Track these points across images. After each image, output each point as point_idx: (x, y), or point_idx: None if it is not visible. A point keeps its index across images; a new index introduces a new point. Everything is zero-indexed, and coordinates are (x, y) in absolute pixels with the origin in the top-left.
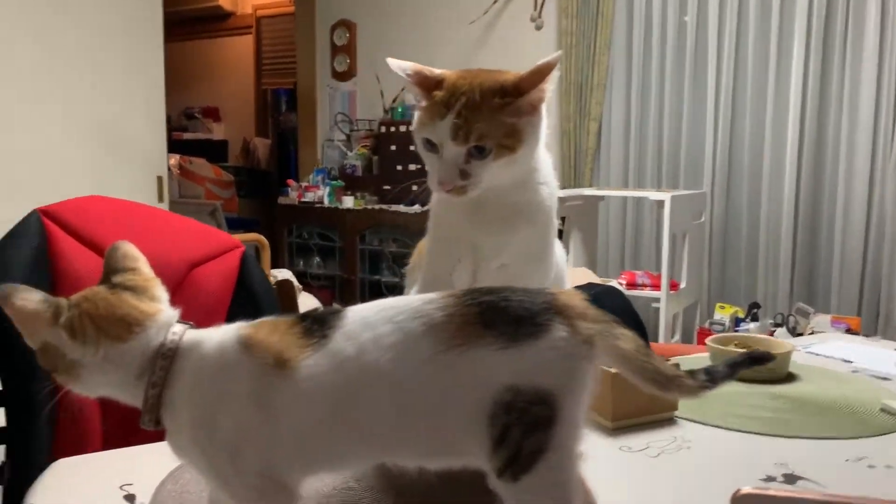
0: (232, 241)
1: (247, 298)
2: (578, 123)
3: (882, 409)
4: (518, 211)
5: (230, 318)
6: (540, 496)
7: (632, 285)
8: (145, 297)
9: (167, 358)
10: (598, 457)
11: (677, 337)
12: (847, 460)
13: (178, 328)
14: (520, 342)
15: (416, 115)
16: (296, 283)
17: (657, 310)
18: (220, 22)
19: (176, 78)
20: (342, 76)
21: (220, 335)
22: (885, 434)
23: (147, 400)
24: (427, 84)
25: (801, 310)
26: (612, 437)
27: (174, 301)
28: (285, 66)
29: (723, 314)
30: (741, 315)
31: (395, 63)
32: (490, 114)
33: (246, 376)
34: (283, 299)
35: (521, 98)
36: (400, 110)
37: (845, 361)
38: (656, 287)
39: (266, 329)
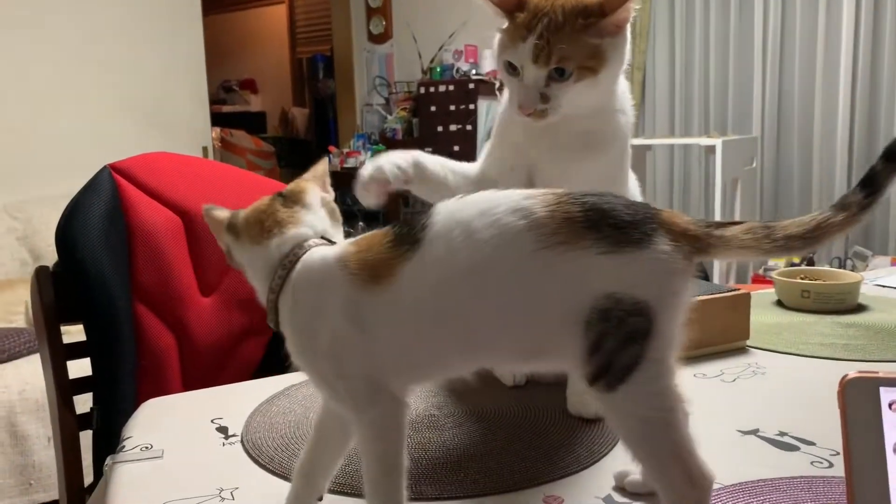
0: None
1: None
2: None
3: None
4: (590, 139)
5: None
6: (639, 405)
7: None
8: (297, 206)
9: (285, 268)
10: None
11: (731, 282)
12: None
13: (312, 241)
14: (623, 249)
15: (498, 37)
16: None
17: None
18: None
19: (212, 52)
20: (378, 39)
21: (327, 251)
22: None
23: (267, 303)
24: (508, 5)
25: (858, 253)
26: (685, 365)
27: None
28: (320, 32)
29: (777, 260)
30: (796, 260)
31: None
32: (572, 34)
33: (339, 292)
34: None
35: (606, 18)
36: (438, 70)
37: None
38: None
39: (364, 244)
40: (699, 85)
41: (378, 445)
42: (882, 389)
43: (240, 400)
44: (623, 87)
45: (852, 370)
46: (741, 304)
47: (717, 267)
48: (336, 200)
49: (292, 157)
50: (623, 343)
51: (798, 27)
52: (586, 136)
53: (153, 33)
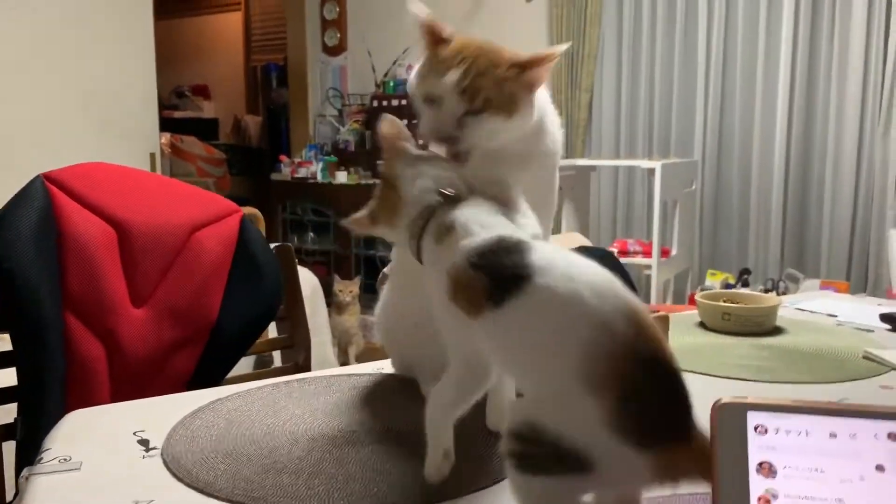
0: (231, 205)
1: (247, 261)
2: (570, 95)
3: (864, 357)
4: (519, 158)
5: (231, 282)
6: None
7: (623, 253)
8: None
9: (423, 218)
10: None
11: (669, 302)
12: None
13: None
14: None
15: (417, 69)
16: None
17: (649, 276)
18: None
19: (166, 56)
20: (333, 51)
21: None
22: (865, 378)
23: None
24: (435, 36)
25: (790, 275)
26: None
27: (175, 266)
28: (275, 41)
29: (713, 280)
30: (731, 281)
31: (415, 5)
32: (493, 79)
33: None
34: (283, 262)
35: (523, 74)
36: (392, 84)
37: (830, 316)
38: (647, 254)
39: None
40: (644, 108)
41: (451, 392)
42: (749, 413)
43: (165, 412)
44: (547, 110)
45: (761, 390)
46: (660, 327)
47: (654, 285)
48: (285, 210)
49: (244, 165)
50: None
51: (739, 54)
52: (515, 157)
53: (102, 36)
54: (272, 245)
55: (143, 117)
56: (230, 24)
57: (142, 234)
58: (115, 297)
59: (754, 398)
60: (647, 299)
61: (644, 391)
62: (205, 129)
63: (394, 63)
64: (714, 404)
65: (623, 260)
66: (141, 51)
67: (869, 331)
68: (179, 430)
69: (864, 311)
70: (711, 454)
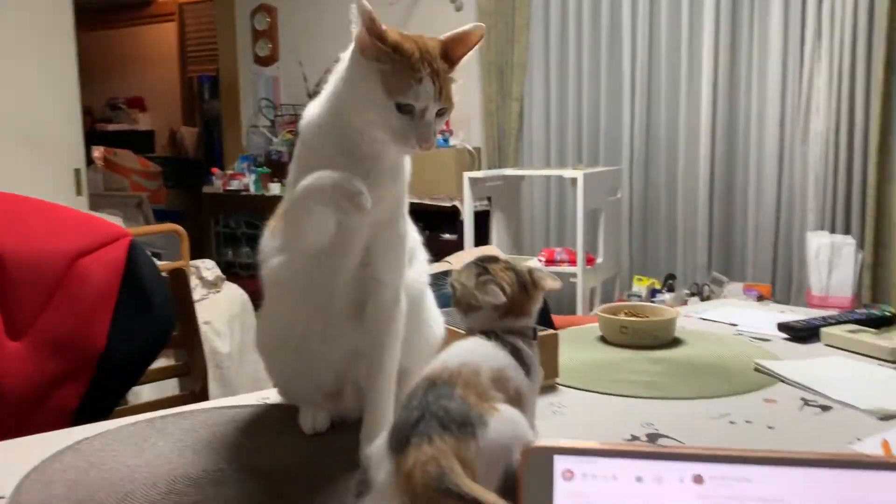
0: (118, 230)
1: (136, 287)
2: (501, 104)
3: (756, 369)
4: (395, 170)
5: (118, 309)
6: None
7: (550, 262)
8: None
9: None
10: None
11: (596, 310)
12: (711, 418)
13: None
14: None
15: (380, 79)
16: (219, 273)
17: (574, 284)
18: (141, 9)
19: (98, 68)
20: (264, 61)
21: None
22: (751, 392)
23: None
24: (378, 34)
25: (715, 279)
26: None
27: (57, 295)
28: (209, 52)
29: (640, 286)
30: (658, 286)
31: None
32: (446, 76)
33: None
34: (176, 290)
35: (458, 62)
36: None
37: (731, 325)
38: (574, 263)
39: None
40: (573, 117)
41: None
42: (556, 458)
43: (16, 456)
44: None
45: (651, 407)
46: (549, 345)
47: (580, 293)
48: (218, 223)
49: (180, 178)
50: None
51: (663, 63)
52: (393, 168)
53: (20, 50)
54: (198, 262)
55: (65, 132)
56: (165, 35)
57: (16, 262)
58: None
59: (562, 442)
60: (572, 308)
61: None
62: (140, 142)
63: (326, 72)
64: (522, 450)
65: (551, 269)
66: (62, 64)
67: (766, 340)
68: (34, 476)
69: (764, 319)
70: (518, 501)
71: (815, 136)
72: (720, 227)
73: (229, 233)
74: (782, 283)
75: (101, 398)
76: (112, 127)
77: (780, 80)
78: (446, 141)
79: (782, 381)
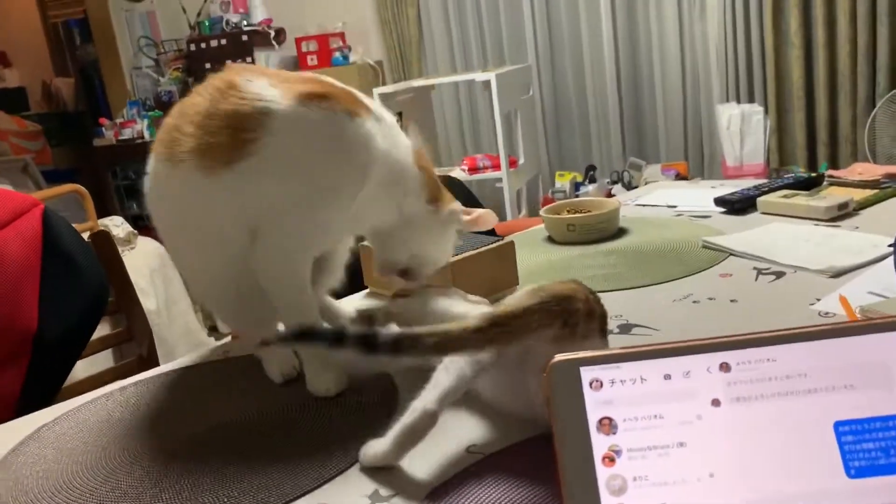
0: (27, 199)
1: (59, 257)
2: (397, 11)
3: (704, 246)
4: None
5: (45, 283)
6: None
7: (473, 170)
8: None
9: None
10: None
11: (524, 212)
12: (674, 300)
13: None
14: None
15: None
16: (130, 228)
17: (500, 189)
18: None
19: None
20: None
21: None
22: (705, 269)
23: None
24: None
25: (633, 164)
26: None
27: None
28: None
29: (562, 181)
30: (580, 179)
31: None
32: None
33: None
34: (102, 253)
35: None
36: (207, 24)
37: (670, 207)
38: (497, 167)
39: None
40: (472, 18)
41: None
42: (582, 370)
43: None
44: None
45: (612, 299)
46: (507, 253)
47: (507, 196)
48: (116, 176)
49: (63, 134)
50: None
51: None
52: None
53: None
54: (107, 220)
55: None
56: None
57: None
58: None
59: (585, 353)
60: (501, 213)
61: None
62: (11, 101)
63: (205, 1)
64: (545, 365)
65: (475, 177)
66: None
67: (706, 217)
68: None
69: (700, 196)
70: (551, 417)
71: (711, 8)
72: (630, 112)
73: (130, 185)
74: (695, 159)
75: (43, 381)
76: None
77: None
78: (346, 58)
79: (732, 255)
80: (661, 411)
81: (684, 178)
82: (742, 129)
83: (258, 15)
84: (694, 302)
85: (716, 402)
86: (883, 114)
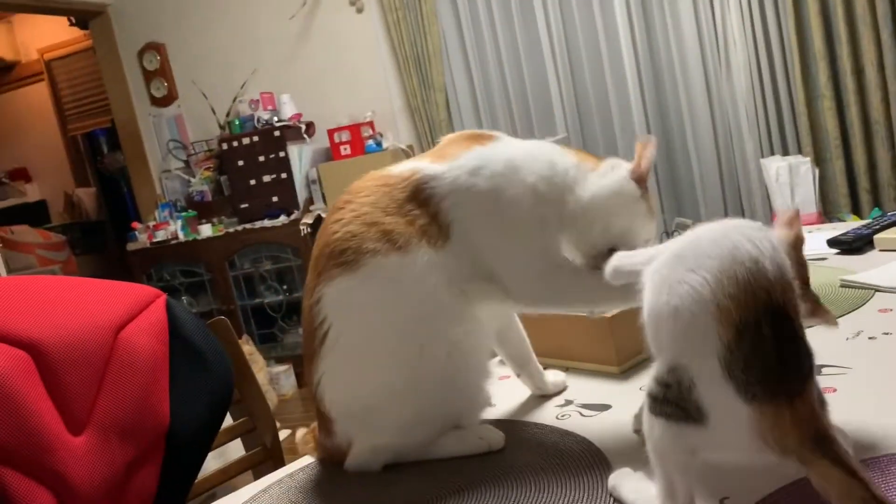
0: (150, 290)
1: (186, 349)
2: (425, 97)
3: (842, 286)
4: None
5: (174, 376)
6: None
7: None
8: None
9: None
10: (619, 403)
11: None
12: (847, 338)
13: None
14: None
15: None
16: None
17: None
18: (5, 75)
19: None
20: (162, 102)
21: None
22: (860, 307)
23: None
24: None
25: (680, 224)
26: (624, 381)
27: (108, 375)
28: (92, 106)
29: None
30: None
31: None
32: None
33: None
34: (222, 339)
35: None
36: (238, 123)
37: None
38: None
39: None
40: (500, 97)
41: None
42: None
43: None
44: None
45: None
46: None
47: None
48: (151, 279)
49: (87, 243)
50: None
51: (578, 27)
52: None
53: None
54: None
55: None
56: (36, 97)
57: (57, 352)
58: (48, 431)
59: None
60: None
61: (762, 336)
62: (34, 214)
63: (234, 100)
64: None
65: None
66: None
67: (823, 259)
68: None
69: (810, 239)
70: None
71: (737, 68)
72: (665, 176)
73: (165, 286)
74: (736, 215)
75: (177, 477)
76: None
77: (693, 20)
78: (379, 145)
79: (877, 291)
80: None
81: None
82: (791, 179)
83: (287, 111)
84: (870, 338)
85: None
86: None
